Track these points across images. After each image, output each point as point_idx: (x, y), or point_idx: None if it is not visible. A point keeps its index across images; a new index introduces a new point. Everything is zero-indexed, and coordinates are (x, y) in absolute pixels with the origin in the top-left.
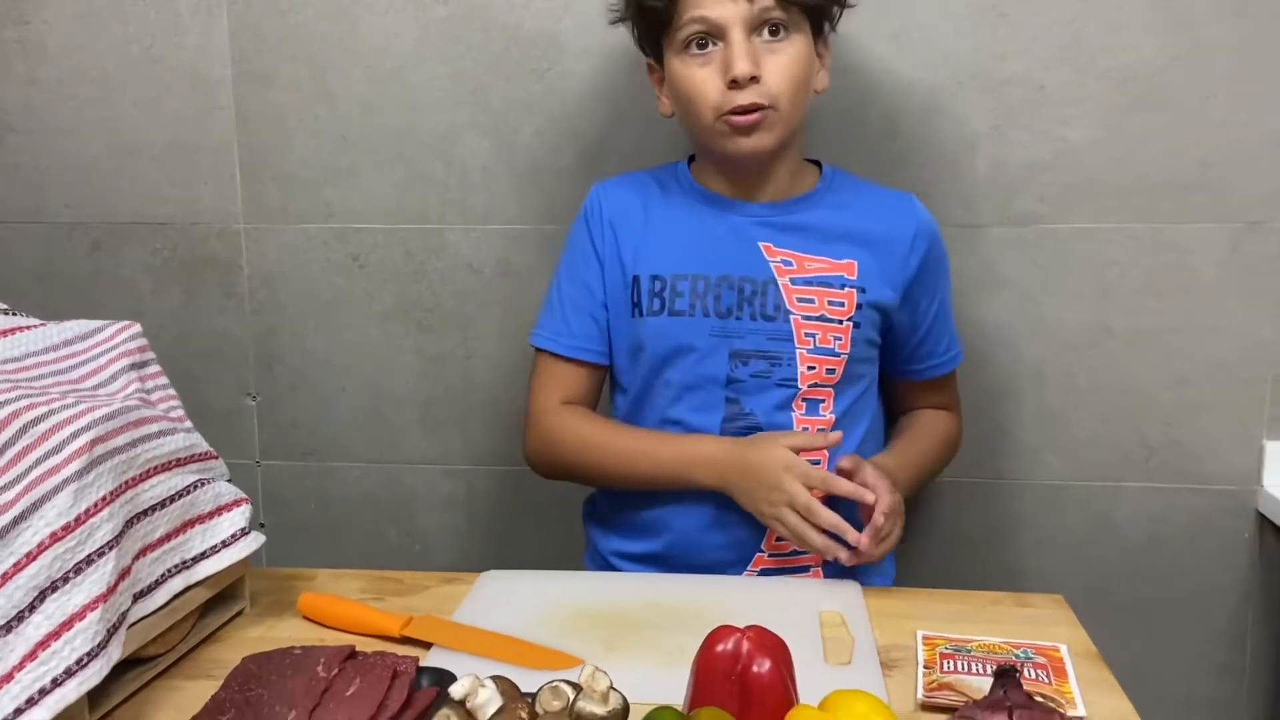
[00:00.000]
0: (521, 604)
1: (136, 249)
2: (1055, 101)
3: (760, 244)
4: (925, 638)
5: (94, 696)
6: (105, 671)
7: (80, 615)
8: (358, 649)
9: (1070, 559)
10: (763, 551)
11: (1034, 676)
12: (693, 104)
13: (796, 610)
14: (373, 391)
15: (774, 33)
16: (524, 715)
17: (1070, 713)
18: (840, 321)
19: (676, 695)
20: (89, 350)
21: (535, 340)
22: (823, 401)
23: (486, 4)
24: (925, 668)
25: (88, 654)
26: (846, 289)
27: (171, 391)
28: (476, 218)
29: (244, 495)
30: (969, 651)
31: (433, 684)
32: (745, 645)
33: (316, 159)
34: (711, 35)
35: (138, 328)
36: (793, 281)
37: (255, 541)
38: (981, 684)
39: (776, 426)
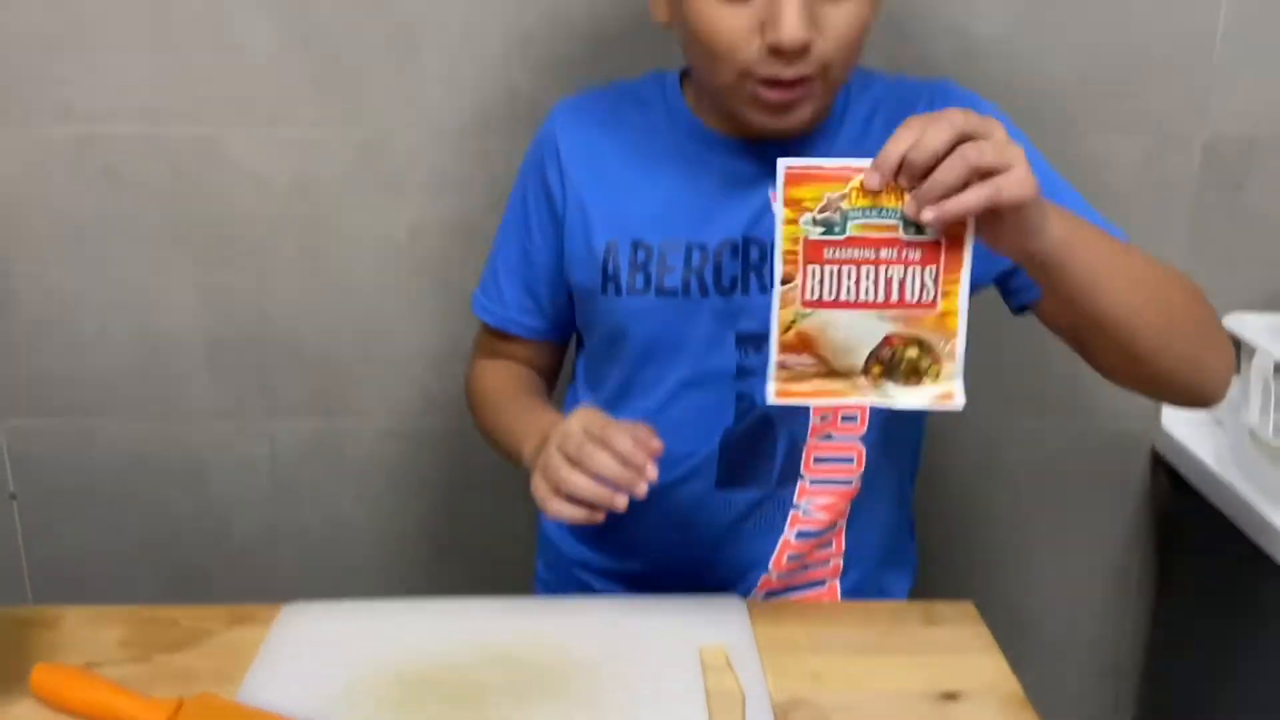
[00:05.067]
0: (330, 662)
1: None
2: None
3: (771, 192)
4: None
5: None
6: None
7: None
8: None
9: (960, 499)
10: (769, 572)
11: None
12: (711, 55)
13: (672, 647)
14: (141, 335)
15: None
16: None
17: None
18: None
19: None
20: None
21: (473, 302)
22: None
23: None
24: None
25: None
26: None
27: None
28: (262, 120)
29: None
30: None
31: None
32: None
33: (41, 39)
34: None
35: None
36: None
37: None
38: None
39: (794, 424)
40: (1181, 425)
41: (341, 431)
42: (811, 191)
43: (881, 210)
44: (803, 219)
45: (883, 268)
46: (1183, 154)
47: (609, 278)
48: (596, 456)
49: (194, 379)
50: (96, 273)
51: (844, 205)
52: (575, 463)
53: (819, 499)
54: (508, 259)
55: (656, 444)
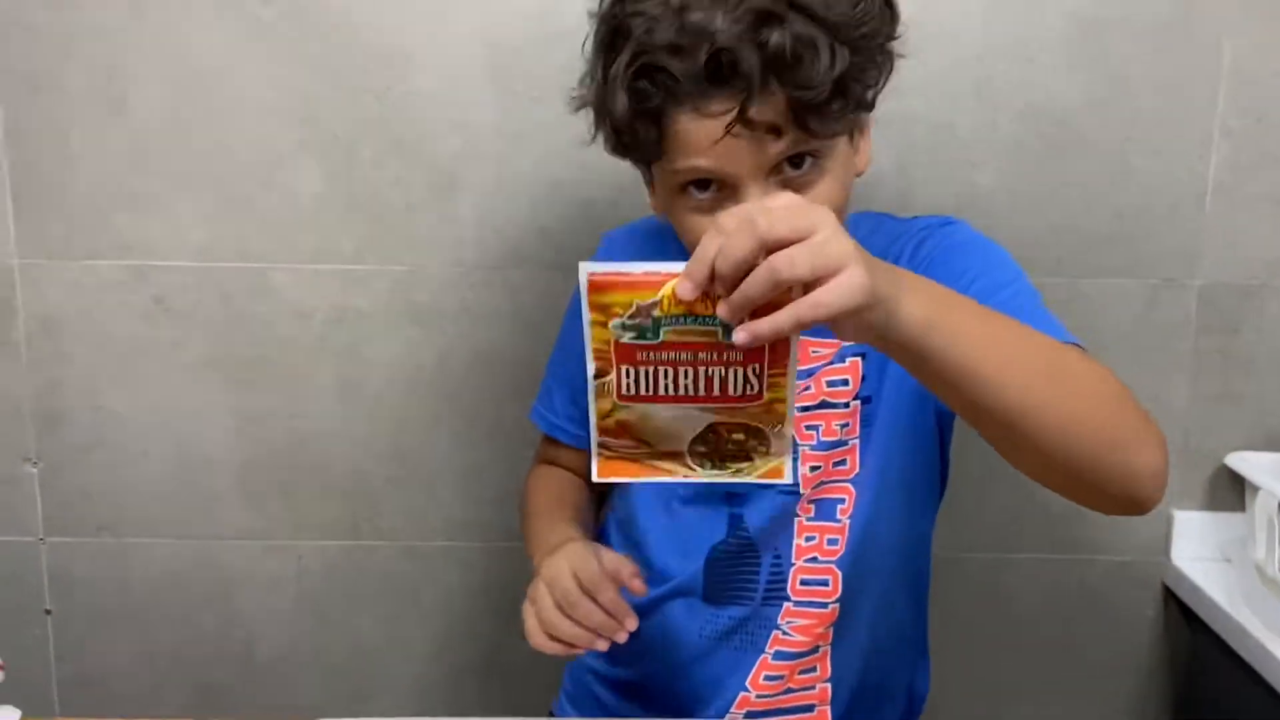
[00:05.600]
0: None
1: None
2: (964, 143)
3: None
4: None
5: None
6: None
7: None
8: None
9: (960, 636)
10: (748, 691)
11: None
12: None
13: None
14: (181, 456)
15: (796, 165)
16: None
17: None
18: (845, 405)
19: None
20: None
21: (532, 410)
22: (840, 503)
23: (318, 5)
24: None
25: None
26: (850, 359)
27: None
28: (306, 256)
29: None
30: None
31: None
32: None
33: (107, 183)
34: (714, 179)
35: None
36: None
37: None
38: None
39: (778, 544)
40: (1191, 562)
41: (366, 552)
42: (619, 298)
43: (697, 318)
44: (612, 323)
45: (702, 368)
46: (1180, 299)
47: None
48: (581, 606)
49: (226, 500)
50: (141, 396)
51: (656, 313)
52: (561, 608)
53: (798, 620)
54: (558, 371)
55: (639, 586)
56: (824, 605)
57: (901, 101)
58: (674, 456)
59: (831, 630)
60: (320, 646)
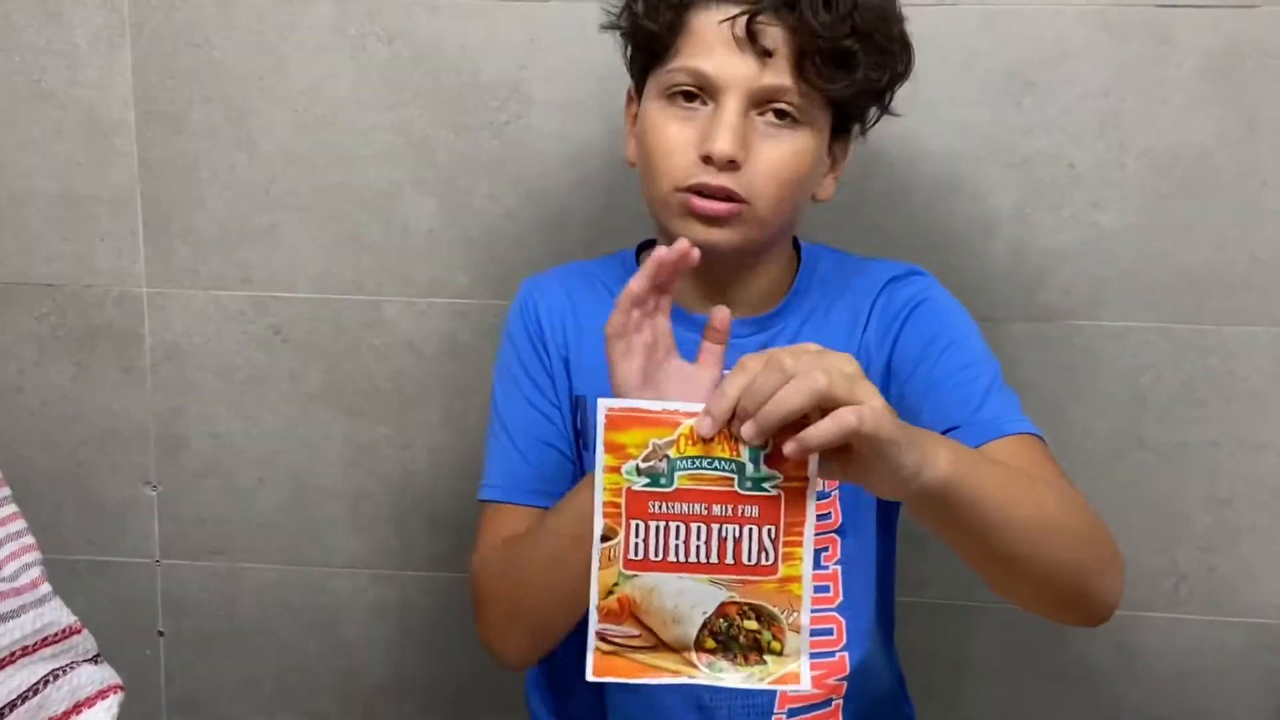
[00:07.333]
0: None
1: (18, 313)
2: (1087, 182)
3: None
4: None
5: None
6: None
7: None
8: None
9: (1085, 694)
10: None
11: None
12: (653, 163)
13: None
14: (294, 483)
15: (780, 116)
16: None
17: None
18: (827, 494)
19: None
20: None
21: (481, 493)
22: (824, 550)
23: (437, 46)
24: None
25: None
26: None
27: (26, 541)
28: (419, 289)
29: (113, 681)
30: None
31: None
32: None
33: (233, 215)
34: (704, 91)
35: None
36: None
37: None
38: None
39: None
40: None
41: (468, 585)
42: (636, 437)
43: (713, 460)
44: (625, 467)
45: (715, 526)
46: None
47: (579, 431)
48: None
49: (336, 528)
50: (257, 424)
51: (671, 453)
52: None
53: None
54: (522, 422)
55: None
56: (831, 654)
57: (1021, 138)
58: (680, 652)
59: (845, 683)
60: (422, 677)
